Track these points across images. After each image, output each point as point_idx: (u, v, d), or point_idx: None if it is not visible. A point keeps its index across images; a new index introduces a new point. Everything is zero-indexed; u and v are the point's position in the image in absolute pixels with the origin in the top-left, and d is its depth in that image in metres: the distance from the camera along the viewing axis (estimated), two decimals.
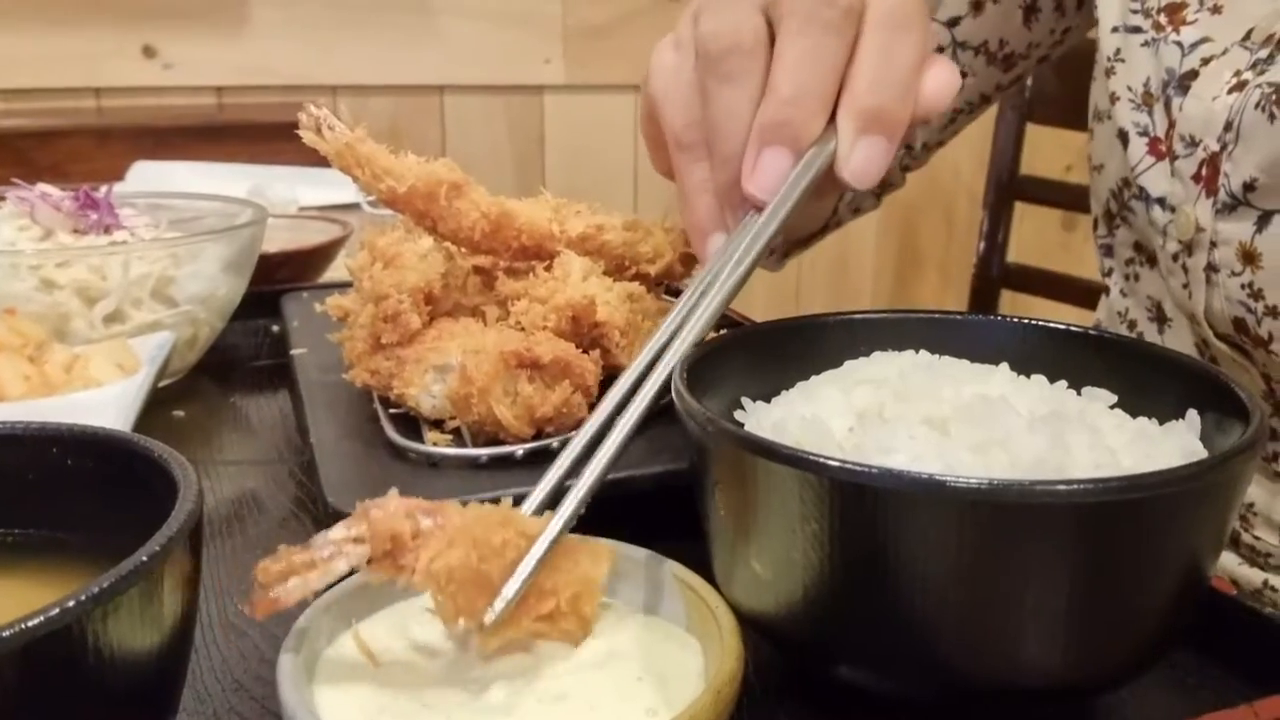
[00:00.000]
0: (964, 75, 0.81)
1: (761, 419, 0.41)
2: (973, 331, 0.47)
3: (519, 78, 2.25)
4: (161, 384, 0.67)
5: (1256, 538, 0.66)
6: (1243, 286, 0.59)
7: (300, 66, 2.09)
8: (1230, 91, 0.59)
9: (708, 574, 0.40)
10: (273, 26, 2.07)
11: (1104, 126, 0.72)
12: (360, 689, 0.36)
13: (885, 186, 0.88)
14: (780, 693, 0.41)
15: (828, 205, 0.79)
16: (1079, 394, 0.43)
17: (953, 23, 0.80)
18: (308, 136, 0.56)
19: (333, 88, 2.12)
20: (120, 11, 1.97)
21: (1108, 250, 0.75)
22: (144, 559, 0.28)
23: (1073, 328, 0.46)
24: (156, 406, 0.64)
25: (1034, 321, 0.47)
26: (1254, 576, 0.65)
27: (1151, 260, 0.71)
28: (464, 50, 2.19)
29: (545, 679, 0.37)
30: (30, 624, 0.26)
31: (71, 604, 0.26)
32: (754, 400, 0.44)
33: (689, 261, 0.64)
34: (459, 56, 2.18)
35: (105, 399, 0.57)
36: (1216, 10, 0.63)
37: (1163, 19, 0.65)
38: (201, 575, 0.34)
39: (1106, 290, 0.76)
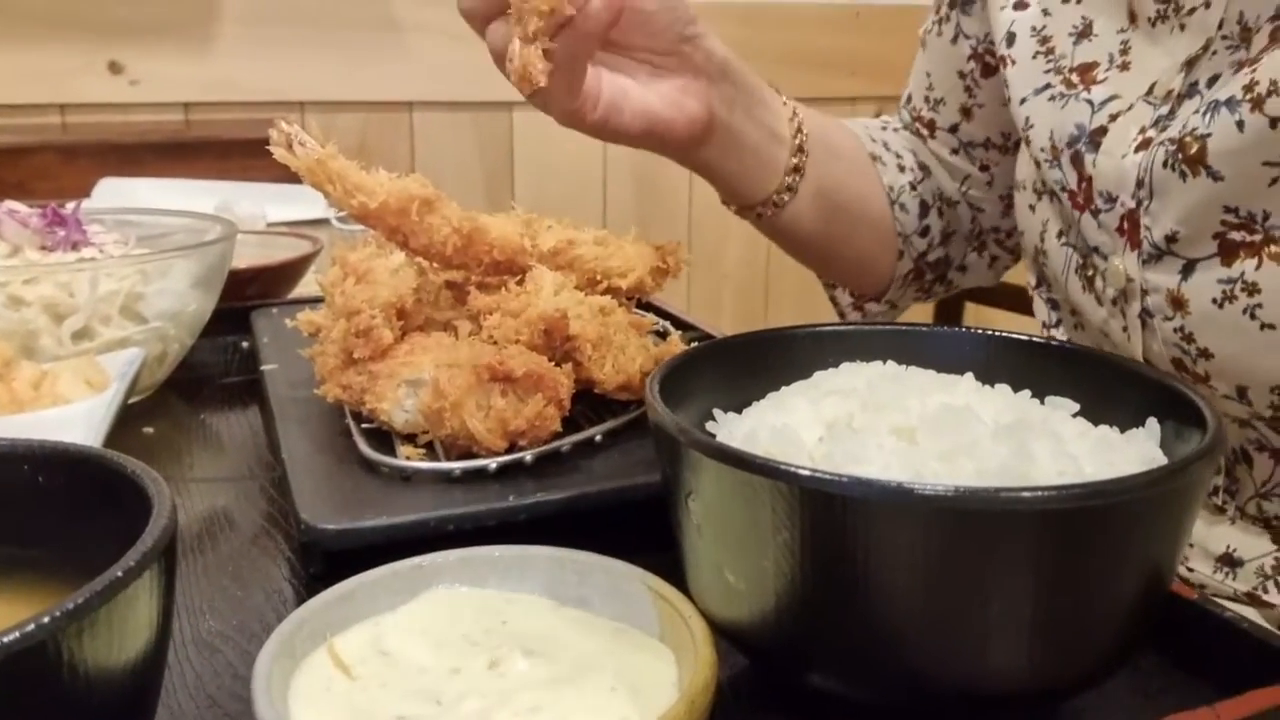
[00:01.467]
0: (985, 168, 0.86)
1: (733, 430, 0.42)
2: (938, 343, 0.48)
3: (488, 94, 2.24)
4: (131, 401, 0.67)
5: (1190, 569, 0.67)
6: (1175, 330, 0.61)
7: (268, 83, 2.09)
8: (1137, 150, 0.61)
9: (681, 584, 0.40)
10: (240, 43, 2.06)
11: (1021, 195, 0.76)
12: (335, 702, 0.36)
13: (994, 258, 0.91)
14: (754, 701, 0.41)
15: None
16: (1042, 403, 0.43)
17: (954, 129, 0.86)
18: (279, 153, 0.56)
19: (301, 104, 2.11)
20: (87, 28, 1.96)
21: (1053, 304, 0.77)
22: (119, 574, 0.28)
23: (1034, 338, 0.47)
24: (125, 423, 0.63)
25: (997, 333, 0.48)
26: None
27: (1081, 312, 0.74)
28: (433, 67, 2.18)
29: (519, 691, 0.37)
30: (4, 640, 0.26)
31: (46, 620, 0.26)
32: (725, 411, 0.45)
33: (660, 276, 0.65)
34: (428, 73, 2.18)
35: (74, 416, 0.56)
36: (1125, 68, 0.65)
37: (1074, 77, 0.68)
38: (175, 591, 0.34)
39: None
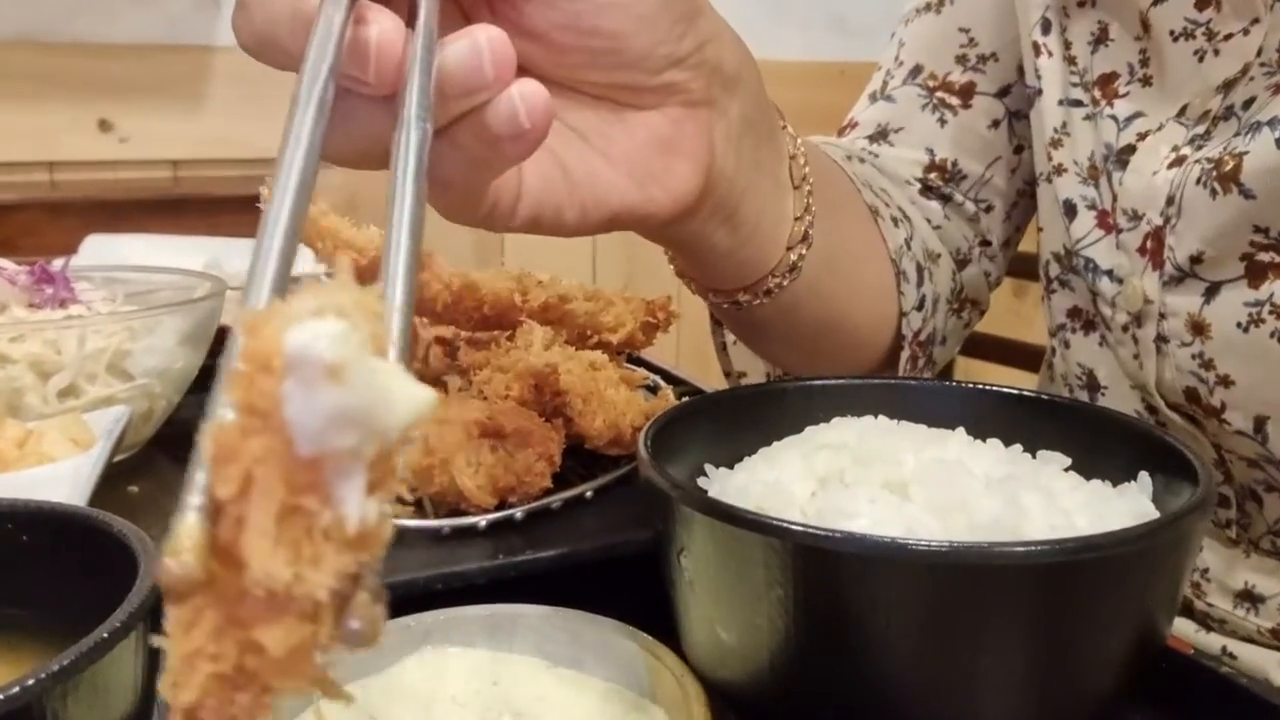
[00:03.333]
0: (1020, 149, 0.75)
1: (725, 485, 0.42)
2: (929, 397, 0.48)
3: None
4: (116, 459, 0.66)
5: (1210, 604, 0.66)
6: (1193, 357, 0.60)
7: (257, 140, 2.10)
8: (1170, 166, 0.60)
9: (673, 642, 0.40)
10: (230, 100, 2.08)
11: (1046, 189, 0.71)
12: None
13: (973, 305, 0.79)
14: None
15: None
16: (1033, 457, 0.44)
17: (1003, 92, 0.74)
18: None
19: None
20: (76, 85, 1.97)
21: (1072, 313, 0.73)
22: (105, 635, 0.28)
23: (1025, 392, 0.47)
24: (110, 481, 0.62)
25: (988, 387, 0.48)
26: (1213, 643, 0.66)
27: (1087, 326, 0.71)
28: None
29: None
30: None
31: (31, 682, 0.26)
32: (717, 467, 0.44)
33: (650, 331, 0.65)
34: None
35: (60, 474, 0.56)
36: (1146, 82, 0.64)
37: (1097, 92, 0.66)
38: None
39: (1053, 350, 0.74)
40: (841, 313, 0.65)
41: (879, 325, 0.69)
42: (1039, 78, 0.68)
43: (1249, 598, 0.64)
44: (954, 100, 0.75)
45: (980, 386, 0.48)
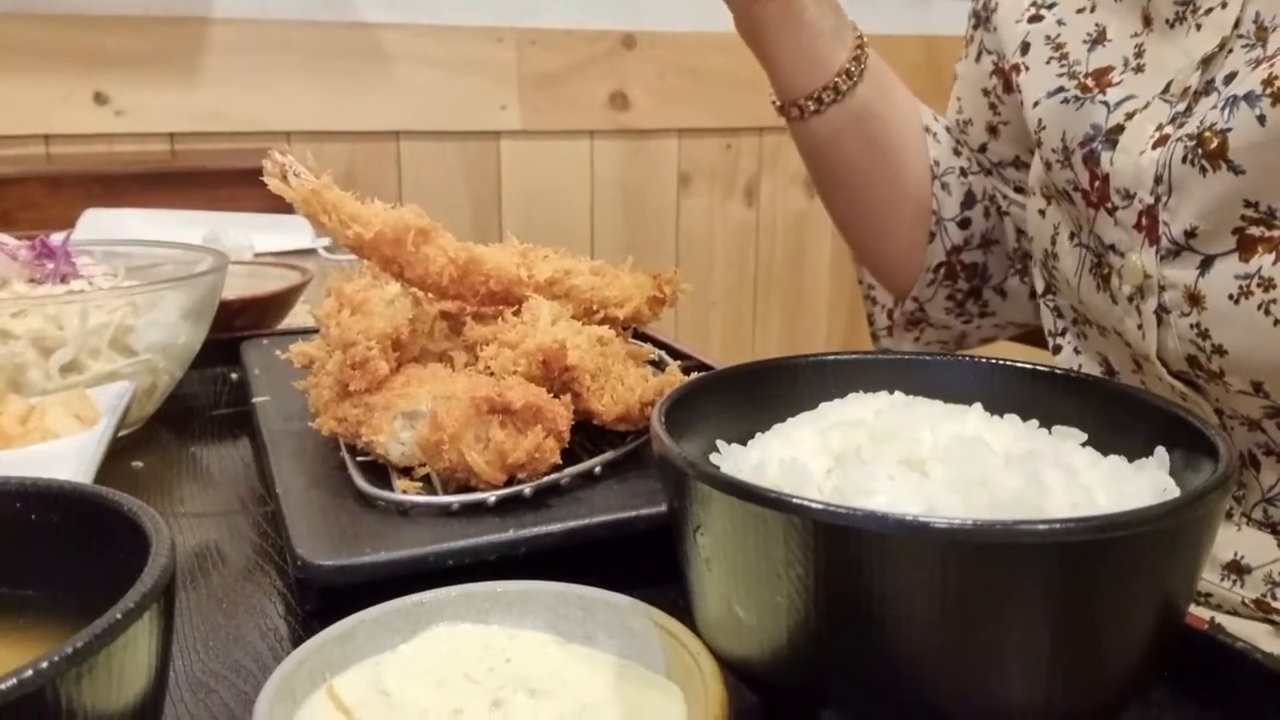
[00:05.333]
0: (1020, 189, 0.85)
1: (739, 462, 0.41)
2: (944, 372, 0.48)
3: (475, 123, 2.25)
4: (119, 434, 0.66)
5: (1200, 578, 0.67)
6: (1191, 326, 0.62)
7: (254, 113, 2.08)
8: (1154, 146, 0.62)
9: (688, 620, 0.40)
10: (226, 73, 2.06)
11: (1032, 201, 0.77)
12: None
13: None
14: None
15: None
16: (1050, 433, 0.43)
17: (983, 148, 0.87)
18: (273, 184, 0.56)
19: (287, 134, 2.11)
20: (71, 58, 1.95)
21: (1058, 311, 0.78)
22: (119, 616, 0.28)
23: (1040, 367, 0.47)
24: (114, 457, 0.62)
25: (1003, 361, 0.47)
26: (1200, 614, 0.66)
27: (1088, 320, 0.74)
28: (420, 96, 2.19)
29: None
30: (2, 688, 0.25)
31: (45, 666, 0.25)
32: (729, 443, 0.44)
33: (656, 305, 0.64)
34: (415, 102, 2.19)
35: (65, 451, 0.55)
36: (1139, 70, 0.67)
37: (1089, 82, 0.69)
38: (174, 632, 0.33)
39: (1057, 349, 0.78)
40: (876, 179, 0.84)
41: (910, 221, 0.86)
42: (1020, 92, 0.75)
43: (1236, 569, 0.65)
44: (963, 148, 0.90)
45: (995, 361, 0.47)
